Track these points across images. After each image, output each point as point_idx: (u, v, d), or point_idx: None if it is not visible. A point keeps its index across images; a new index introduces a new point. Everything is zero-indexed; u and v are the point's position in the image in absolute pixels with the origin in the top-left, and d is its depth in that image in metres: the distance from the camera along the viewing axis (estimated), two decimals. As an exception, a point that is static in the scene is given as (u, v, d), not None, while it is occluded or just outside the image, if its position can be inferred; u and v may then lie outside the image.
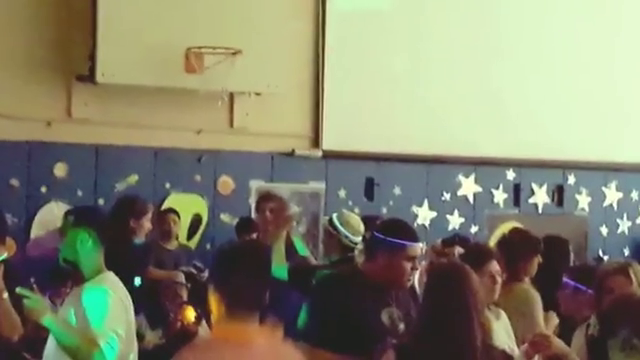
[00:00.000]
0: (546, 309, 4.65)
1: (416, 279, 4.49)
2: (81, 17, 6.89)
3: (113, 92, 6.97)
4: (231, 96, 7.28)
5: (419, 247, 3.86)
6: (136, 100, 7.09)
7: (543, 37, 8.45)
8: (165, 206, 7.16)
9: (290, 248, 5.32)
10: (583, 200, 8.73)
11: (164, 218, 6.88)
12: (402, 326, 3.77)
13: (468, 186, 8.34)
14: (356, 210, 7.09)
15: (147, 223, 5.91)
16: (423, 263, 4.70)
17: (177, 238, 7.01)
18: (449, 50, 8.10)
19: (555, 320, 4.66)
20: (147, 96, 7.08)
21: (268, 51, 7.09)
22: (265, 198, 6.09)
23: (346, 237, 4.93)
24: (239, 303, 2.79)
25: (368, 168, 7.97)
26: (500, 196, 8.46)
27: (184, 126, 7.32)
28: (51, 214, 6.71)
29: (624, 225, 8.86)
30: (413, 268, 3.80)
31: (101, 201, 6.94)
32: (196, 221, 7.45)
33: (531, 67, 8.36)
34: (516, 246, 4.79)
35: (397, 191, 8.05)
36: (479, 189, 8.38)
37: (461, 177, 8.31)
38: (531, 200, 8.58)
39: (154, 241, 6.65)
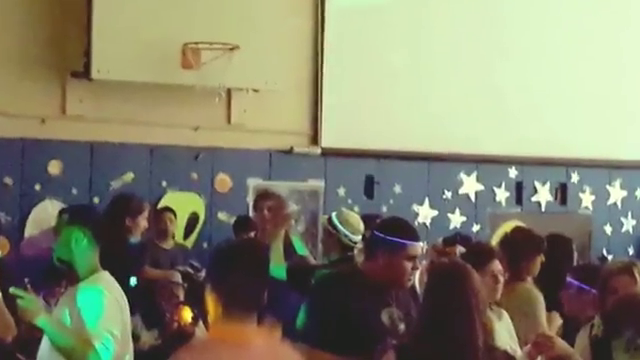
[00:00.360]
0: (549, 309, 4.58)
1: (417, 279, 4.43)
2: (76, 13, 6.83)
3: (108, 88, 6.91)
4: (228, 92, 7.22)
5: (420, 246, 3.81)
6: (132, 96, 7.04)
7: (546, 34, 8.39)
8: (161, 204, 7.10)
9: (289, 247, 5.28)
10: (587, 198, 8.67)
11: (160, 217, 6.82)
12: (402, 326, 3.72)
13: (470, 184, 8.27)
14: (356, 209, 7.04)
15: (143, 222, 5.85)
16: (424, 263, 4.64)
17: (173, 237, 6.94)
18: (450, 46, 8.04)
19: (558, 320, 4.60)
20: (143, 92, 7.02)
21: (266, 47, 7.03)
22: (263, 196, 6.05)
23: (345, 236, 4.88)
24: (237, 303, 2.74)
25: (368, 166, 7.91)
26: (502, 194, 8.40)
27: (181, 123, 7.26)
28: (45, 213, 6.65)
29: (628, 224, 8.80)
30: (414, 268, 3.76)
31: (96, 199, 6.89)
32: (193, 220, 7.39)
33: (534, 63, 8.30)
34: (518, 245, 4.73)
35: (397, 189, 7.99)
36: (481, 187, 8.31)
37: (462, 175, 8.24)
38: (534, 198, 8.52)
39: (150, 240, 6.59)
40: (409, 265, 3.70)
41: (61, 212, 5.77)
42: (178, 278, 6.35)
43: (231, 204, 7.42)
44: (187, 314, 4.60)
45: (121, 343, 3.67)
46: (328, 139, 7.72)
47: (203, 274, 6.06)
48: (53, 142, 6.91)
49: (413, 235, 3.76)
